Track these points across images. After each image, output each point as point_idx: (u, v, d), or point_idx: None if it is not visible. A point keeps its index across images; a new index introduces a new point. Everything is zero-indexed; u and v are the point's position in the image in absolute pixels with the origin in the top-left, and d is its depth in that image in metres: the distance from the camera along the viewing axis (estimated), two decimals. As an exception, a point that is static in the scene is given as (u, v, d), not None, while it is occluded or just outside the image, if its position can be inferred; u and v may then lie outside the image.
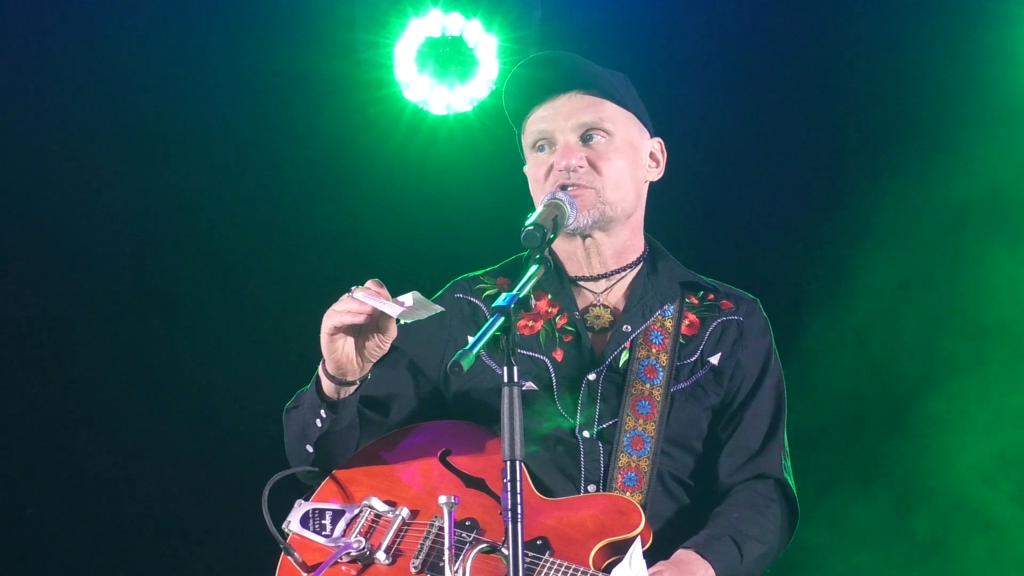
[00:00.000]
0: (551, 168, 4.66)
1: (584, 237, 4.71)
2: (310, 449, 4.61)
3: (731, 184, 6.90)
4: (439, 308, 4.38)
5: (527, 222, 4.29)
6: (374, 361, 4.50)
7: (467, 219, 6.85)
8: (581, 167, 4.63)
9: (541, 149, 4.72)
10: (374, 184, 6.99)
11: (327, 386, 4.52)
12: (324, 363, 4.49)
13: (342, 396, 4.53)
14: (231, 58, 6.95)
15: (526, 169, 4.82)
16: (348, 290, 4.40)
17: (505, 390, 3.87)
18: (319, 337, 4.46)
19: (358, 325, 4.39)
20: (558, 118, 4.68)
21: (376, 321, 4.40)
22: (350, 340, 4.43)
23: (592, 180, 4.63)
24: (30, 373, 7.04)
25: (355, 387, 4.54)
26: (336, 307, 4.40)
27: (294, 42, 6.94)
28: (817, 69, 6.87)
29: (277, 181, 7.08)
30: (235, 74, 6.97)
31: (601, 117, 4.69)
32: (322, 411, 4.53)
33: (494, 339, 3.92)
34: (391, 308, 4.32)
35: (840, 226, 6.80)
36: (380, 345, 4.45)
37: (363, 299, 4.35)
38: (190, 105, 6.96)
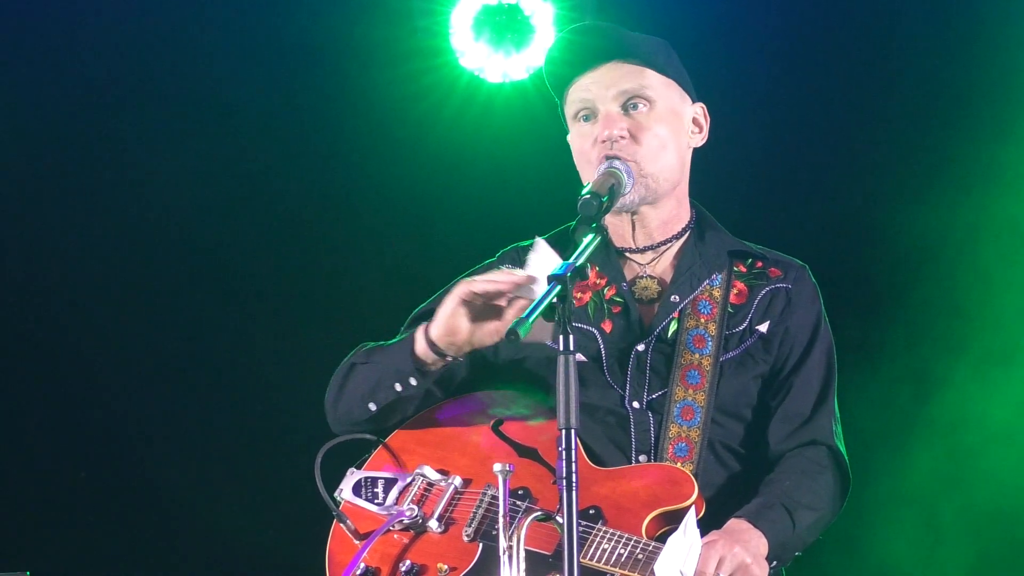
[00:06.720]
0: (595, 140, 4.66)
1: (632, 213, 4.71)
2: (373, 408, 4.62)
3: (780, 150, 6.84)
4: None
5: (584, 190, 4.29)
6: (477, 348, 4.48)
7: (522, 188, 6.84)
8: (623, 137, 4.61)
9: (585, 119, 4.70)
10: (429, 152, 6.99)
11: (423, 350, 4.50)
12: (429, 328, 4.48)
13: (432, 367, 4.54)
14: (287, 26, 6.96)
15: (570, 138, 4.81)
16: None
17: (561, 358, 3.83)
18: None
19: (488, 303, 4.38)
20: (599, 87, 4.67)
21: (501, 312, 4.38)
22: (470, 315, 4.41)
23: (632, 152, 4.61)
24: (87, 343, 7.11)
25: (443, 364, 4.54)
26: (480, 275, 4.41)
27: (350, 9, 6.95)
28: (872, 29, 6.79)
29: (333, 150, 7.10)
30: (291, 42, 6.98)
31: (642, 84, 4.66)
32: (411, 379, 4.53)
33: (550, 307, 3.89)
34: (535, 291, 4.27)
35: (892, 190, 6.74)
36: (495, 335, 4.42)
37: (510, 272, 4.35)
38: (245, 74, 6.98)
